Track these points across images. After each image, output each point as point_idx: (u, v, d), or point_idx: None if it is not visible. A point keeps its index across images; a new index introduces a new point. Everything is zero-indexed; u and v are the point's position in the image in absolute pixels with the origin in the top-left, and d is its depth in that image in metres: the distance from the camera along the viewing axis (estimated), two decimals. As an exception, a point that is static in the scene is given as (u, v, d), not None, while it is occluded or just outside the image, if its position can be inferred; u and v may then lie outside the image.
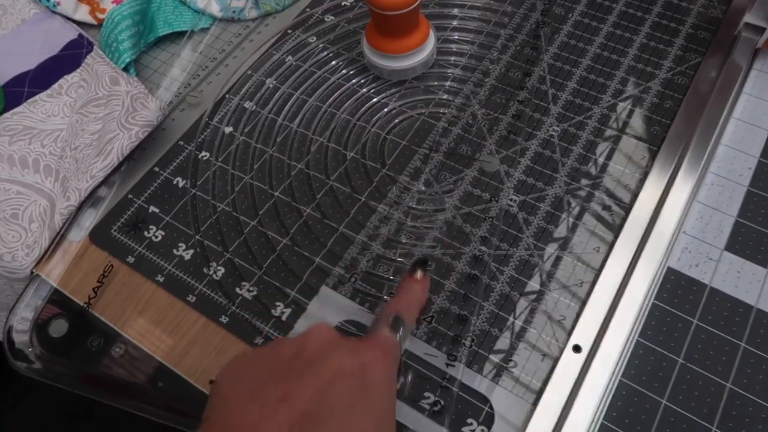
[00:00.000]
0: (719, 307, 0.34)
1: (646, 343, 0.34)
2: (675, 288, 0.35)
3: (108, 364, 0.36)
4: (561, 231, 0.37)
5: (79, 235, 0.40)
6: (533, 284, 0.36)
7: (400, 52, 0.42)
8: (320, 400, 0.24)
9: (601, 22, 0.46)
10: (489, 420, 0.32)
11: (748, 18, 0.42)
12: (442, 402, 0.32)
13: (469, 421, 0.32)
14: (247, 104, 0.45)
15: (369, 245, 0.38)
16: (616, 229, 0.37)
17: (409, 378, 0.33)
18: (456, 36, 0.47)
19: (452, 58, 0.45)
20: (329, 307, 0.36)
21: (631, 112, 0.42)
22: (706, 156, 0.39)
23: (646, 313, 0.34)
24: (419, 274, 0.32)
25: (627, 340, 0.33)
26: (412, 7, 0.37)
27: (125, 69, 0.45)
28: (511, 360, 0.33)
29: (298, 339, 0.27)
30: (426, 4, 0.49)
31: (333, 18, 0.49)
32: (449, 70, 0.45)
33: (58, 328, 0.37)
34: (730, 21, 0.45)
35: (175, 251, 0.38)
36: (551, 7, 0.47)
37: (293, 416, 0.23)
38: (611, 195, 0.38)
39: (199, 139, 0.43)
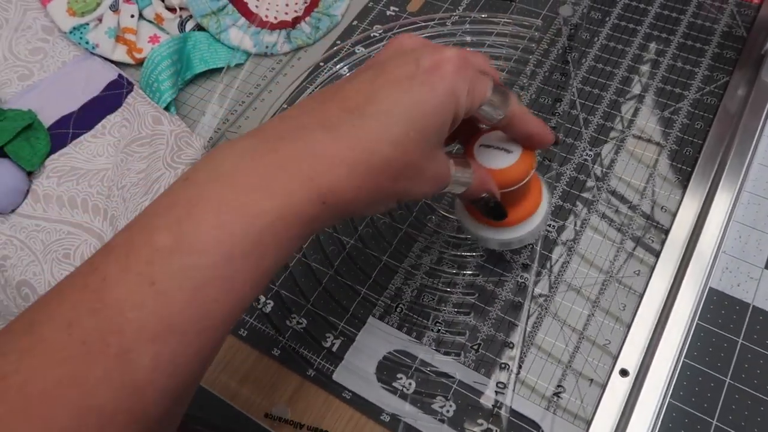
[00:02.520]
0: (763, 325, 0.35)
1: (693, 364, 0.34)
2: (718, 308, 0.36)
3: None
4: (601, 255, 0.38)
5: (130, 272, 0.41)
6: (576, 309, 0.36)
7: (511, 224, 0.33)
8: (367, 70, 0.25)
9: (626, 44, 0.47)
10: (542, 446, 0.33)
11: (775, 37, 0.42)
12: (494, 429, 0.33)
13: (522, 447, 0.33)
14: (284, 138, 0.46)
15: (413, 274, 0.39)
16: (656, 252, 0.38)
17: None
18: (485, 63, 0.48)
19: (482, 86, 0.46)
20: (377, 338, 0.37)
21: (662, 134, 0.42)
22: (741, 175, 0.39)
23: (691, 334, 0.35)
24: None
25: (673, 362, 0.33)
26: (513, 188, 0.30)
27: (166, 107, 0.47)
28: (559, 386, 0.34)
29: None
30: (453, 32, 0.50)
31: (363, 50, 0.50)
32: (480, 98, 0.46)
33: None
34: (755, 40, 0.45)
35: (224, 286, 0.39)
36: (577, 32, 0.48)
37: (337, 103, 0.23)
38: (649, 217, 0.39)
39: (240, 174, 0.44)
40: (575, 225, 0.39)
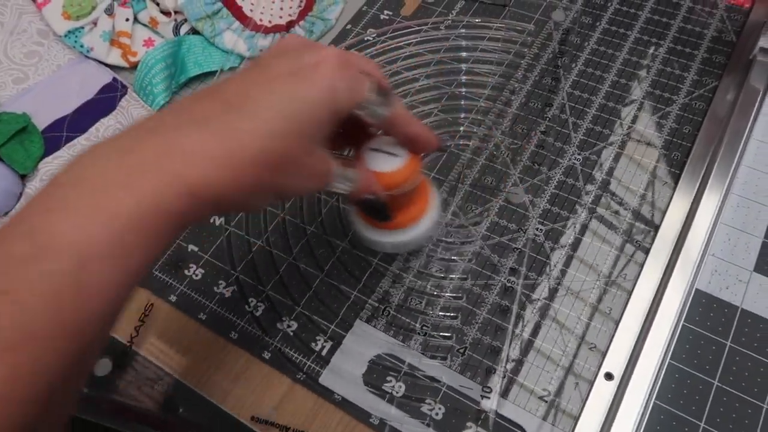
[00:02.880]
0: (752, 328, 0.35)
1: (681, 367, 0.34)
2: (707, 310, 0.36)
3: (153, 401, 0.37)
4: (588, 259, 0.38)
5: (121, 275, 0.41)
6: (564, 311, 0.36)
7: (401, 226, 0.35)
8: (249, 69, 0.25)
9: (617, 49, 0.47)
10: (528, 448, 0.33)
11: (762, 42, 0.43)
12: None
13: (509, 449, 0.33)
14: (276, 141, 0.46)
15: (401, 277, 0.39)
16: (643, 255, 0.38)
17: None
18: (479, 68, 0.48)
19: (476, 90, 0.47)
20: (364, 341, 0.37)
21: (651, 138, 0.43)
22: (729, 178, 0.39)
23: (678, 336, 0.35)
24: None
25: (658, 365, 0.34)
26: (398, 191, 0.31)
27: (159, 110, 0.47)
28: (545, 389, 0.34)
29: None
30: (447, 36, 0.50)
31: (357, 53, 0.51)
32: (473, 102, 0.46)
33: (102, 367, 0.38)
34: (744, 45, 0.46)
35: (215, 288, 0.40)
36: (568, 37, 0.49)
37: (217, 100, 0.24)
38: (636, 221, 0.39)
39: (232, 177, 0.45)
40: (563, 228, 0.39)
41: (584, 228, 0.39)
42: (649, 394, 0.33)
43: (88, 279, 0.19)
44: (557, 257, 0.38)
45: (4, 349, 0.18)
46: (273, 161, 0.24)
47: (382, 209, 0.32)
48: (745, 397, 0.33)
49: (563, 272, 0.38)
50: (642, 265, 0.37)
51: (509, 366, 0.35)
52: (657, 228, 0.39)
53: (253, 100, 0.23)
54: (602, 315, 0.36)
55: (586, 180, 0.41)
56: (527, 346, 0.36)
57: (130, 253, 0.20)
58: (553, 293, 0.37)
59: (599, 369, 0.34)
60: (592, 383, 0.34)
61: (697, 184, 0.40)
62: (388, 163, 0.31)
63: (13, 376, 0.18)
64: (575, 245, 0.39)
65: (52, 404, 0.20)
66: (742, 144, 0.40)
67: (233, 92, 0.24)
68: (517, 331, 0.36)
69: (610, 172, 0.41)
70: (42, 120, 0.48)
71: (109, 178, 0.21)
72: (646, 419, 0.32)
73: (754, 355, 0.34)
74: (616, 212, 0.40)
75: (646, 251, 0.38)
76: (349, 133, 0.30)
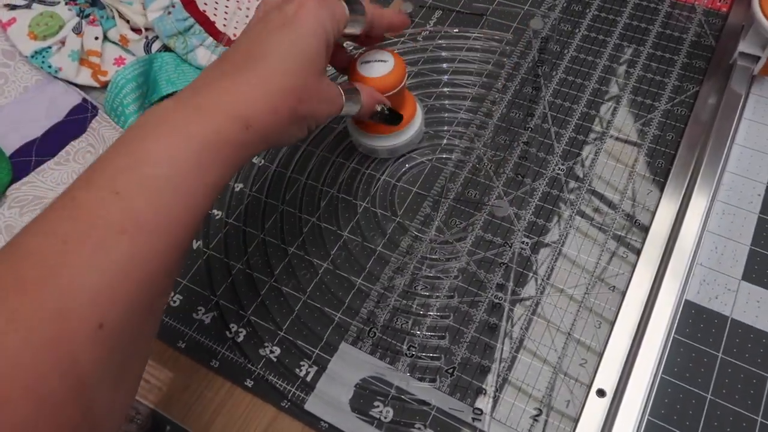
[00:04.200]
0: (742, 338, 0.35)
1: (672, 380, 0.34)
2: (697, 321, 0.35)
3: (133, 435, 0.35)
4: (574, 271, 0.37)
5: (95, 304, 0.40)
6: (553, 325, 0.36)
7: (392, 130, 0.41)
8: (252, 28, 0.31)
9: (596, 56, 0.47)
10: (522, 471, 0.32)
11: (742, 47, 0.42)
12: (474, 455, 0.32)
13: (502, 473, 0.32)
14: (255, 159, 0.45)
15: (386, 297, 0.38)
16: (630, 267, 0.37)
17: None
18: (457, 80, 0.47)
19: (457, 102, 0.46)
20: (350, 365, 0.36)
21: (634, 146, 0.42)
22: (714, 185, 0.39)
23: (669, 349, 0.34)
24: None
25: (650, 379, 0.33)
26: (398, 88, 0.38)
27: (131, 132, 0.45)
28: (537, 408, 0.33)
29: None
30: (425, 47, 0.49)
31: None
32: (454, 114, 0.45)
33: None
34: (724, 49, 0.45)
35: (194, 315, 0.38)
36: (547, 45, 0.48)
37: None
38: (622, 233, 0.39)
39: (209, 198, 0.43)
40: (548, 241, 0.39)
41: (570, 235, 0.39)
42: (643, 410, 0.32)
43: (182, 183, 0.24)
44: (544, 270, 0.38)
45: (118, 232, 0.22)
46: (296, 92, 0.29)
47: (392, 114, 0.39)
48: (739, 410, 0.32)
49: (550, 284, 0.37)
50: (630, 277, 0.37)
51: (499, 385, 0.34)
52: (644, 239, 0.38)
53: (267, 50, 0.29)
54: (592, 329, 0.35)
55: (570, 188, 0.41)
56: (517, 364, 0.35)
57: (207, 170, 0.25)
58: (540, 307, 0.36)
59: (591, 385, 0.33)
60: (584, 400, 0.33)
61: (682, 193, 0.39)
62: (381, 69, 0.37)
63: (130, 253, 0.22)
64: (561, 252, 0.38)
65: (154, 303, 0.25)
66: (725, 150, 0.40)
67: (249, 47, 0.29)
68: (506, 348, 0.35)
69: (595, 179, 0.41)
70: (9, 144, 0.46)
71: (183, 115, 0.26)
72: (640, 436, 0.32)
73: (746, 366, 0.34)
74: (602, 223, 0.39)
75: (633, 263, 0.37)
76: (336, 60, 0.37)
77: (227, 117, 0.26)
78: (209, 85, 0.28)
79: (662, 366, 0.34)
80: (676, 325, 0.35)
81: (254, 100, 0.27)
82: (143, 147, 0.24)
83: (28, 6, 0.51)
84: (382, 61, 0.37)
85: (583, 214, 0.39)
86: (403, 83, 0.38)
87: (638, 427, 0.32)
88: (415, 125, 0.42)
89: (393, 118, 0.39)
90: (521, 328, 0.36)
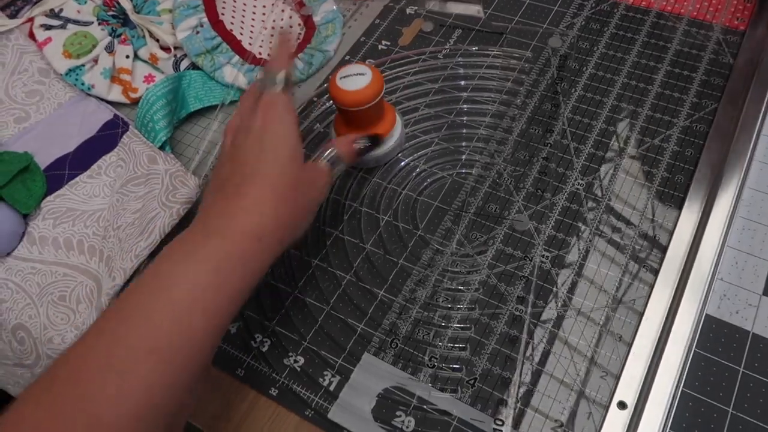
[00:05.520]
0: (764, 353, 0.35)
1: (694, 394, 0.34)
2: (718, 336, 0.36)
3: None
4: (596, 284, 0.38)
5: (125, 313, 0.41)
6: (573, 339, 0.36)
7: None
8: (232, 152, 0.33)
9: (615, 73, 0.48)
10: (544, 483, 0.32)
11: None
12: (495, 466, 0.33)
13: (523, 484, 0.32)
14: (279, 174, 0.46)
15: (408, 309, 0.38)
16: (652, 279, 0.37)
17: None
18: (478, 96, 0.48)
19: (477, 119, 0.47)
20: (372, 375, 0.36)
21: (654, 162, 0.43)
22: (734, 201, 0.39)
23: (690, 363, 0.35)
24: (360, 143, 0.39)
25: (672, 392, 0.33)
26: (376, 100, 0.40)
27: (161, 147, 0.47)
28: (557, 420, 0.34)
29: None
30: (445, 65, 0.51)
31: (355, 84, 0.51)
32: (474, 130, 0.46)
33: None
34: (742, 66, 0.46)
35: (219, 325, 0.39)
36: (566, 62, 0.49)
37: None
38: (642, 246, 0.39)
39: (235, 211, 0.45)
40: (568, 255, 0.39)
41: (590, 253, 0.39)
42: (664, 423, 0.32)
43: (202, 299, 0.27)
44: (564, 284, 0.38)
45: (149, 352, 0.25)
46: (293, 183, 0.32)
47: (373, 139, 0.41)
48: (761, 424, 0.32)
49: (570, 298, 0.37)
50: (651, 290, 0.37)
51: (520, 396, 0.34)
52: (664, 252, 0.38)
53: (256, 167, 0.31)
54: (613, 340, 0.36)
55: (590, 206, 0.41)
56: (538, 376, 0.35)
57: (226, 283, 0.28)
58: (561, 320, 0.37)
59: (612, 397, 0.34)
60: (605, 413, 0.33)
61: (702, 207, 0.40)
62: (360, 82, 0.39)
63: (158, 372, 0.25)
64: (581, 270, 0.38)
65: (183, 406, 0.28)
66: (745, 166, 0.40)
67: (239, 169, 0.32)
68: (527, 360, 0.36)
69: (614, 197, 0.41)
70: (44, 159, 0.48)
71: (200, 240, 0.29)
72: (662, 450, 0.32)
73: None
74: (621, 237, 0.39)
75: (655, 275, 0.38)
76: None
77: (240, 236, 0.29)
78: (217, 211, 0.31)
79: (683, 380, 0.34)
80: (697, 339, 0.35)
81: (259, 214, 0.30)
82: (166, 272, 0.28)
83: (63, 26, 0.53)
84: (360, 74, 0.39)
85: (601, 234, 0.40)
86: (380, 94, 0.40)
87: (660, 441, 0.32)
88: (395, 134, 0.44)
89: (374, 142, 0.41)
90: (542, 340, 0.36)
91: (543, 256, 0.39)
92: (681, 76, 0.47)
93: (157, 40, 0.53)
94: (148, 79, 0.53)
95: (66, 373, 0.25)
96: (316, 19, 0.55)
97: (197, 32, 0.51)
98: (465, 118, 0.47)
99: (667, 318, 0.36)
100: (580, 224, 0.40)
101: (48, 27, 0.53)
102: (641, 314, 0.36)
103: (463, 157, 0.45)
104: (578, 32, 0.51)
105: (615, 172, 0.42)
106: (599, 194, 0.42)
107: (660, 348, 0.34)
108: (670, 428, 0.33)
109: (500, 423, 0.34)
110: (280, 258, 0.41)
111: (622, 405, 0.33)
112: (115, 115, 0.50)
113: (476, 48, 0.52)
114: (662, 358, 0.34)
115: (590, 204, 0.41)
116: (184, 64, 0.53)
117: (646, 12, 0.52)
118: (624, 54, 0.49)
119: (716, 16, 0.50)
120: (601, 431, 0.33)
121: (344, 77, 0.40)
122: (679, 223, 0.39)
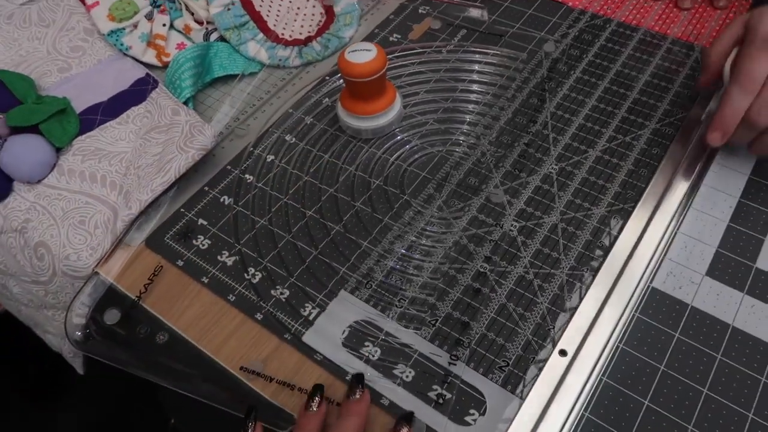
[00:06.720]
0: (699, 323, 0.39)
1: (632, 352, 0.38)
2: (660, 306, 0.40)
3: (153, 349, 0.41)
4: (555, 253, 0.42)
5: (137, 240, 0.46)
6: (528, 296, 0.40)
7: (374, 112, 0.48)
8: None
9: (600, 78, 0.53)
10: (485, 411, 0.36)
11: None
12: (446, 395, 0.37)
13: (471, 411, 0.36)
14: (287, 137, 0.51)
15: (385, 257, 0.43)
16: (604, 253, 0.42)
17: None
18: (474, 87, 0.53)
19: (470, 106, 0.52)
20: (346, 308, 0.41)
21: (622, 155, 0.47)
22: (689, 193, 0.44)
23: (632, 325, 0.39)
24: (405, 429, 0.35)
25: (607, 346, 0.37)
26: (380, 73, 0.45)
27: (185, 103, 0.52)
28: (504, 361, 0.38)
29: None
30: (448, 59, 0.56)
31: (364, 68, 0.56)
32: (466, 115, 0.51)
33: (112, 316, 0.42)
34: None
35: (219, 257, 0.44)
36: (556, 66, 0.54)
37: None
38: (602, 225, 0.43)
39: (244, 165, 0.50)
40: (535, 226, 0.44)
41: (555, 227, 0.43)
42: (600, 372, 0.36)
43: None
44: (528, 250, 0.42)
45: None
46: None
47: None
48: (688, 381, 0.36)
49: (532, 263, 0.42)
50: (602, 262, 0.41)
51: (475, 338, 0.39)
52: (619, 231, 0.43)
53: None
54: (564, 301, 0.40)
55: (560, 187, 0.46)
56: (492, 323, 0.39)
57: None
58: (521, 280, 0.41)
59: (554, 346, 0.38)
60: (546, 358, 0.37)
61: (659, 198, 0.44)
62: (366, 56, 0.44)
63: None
64: (545, 241, 0.43)
65: None
66: (703, 165, 0.45)
67: None
68: (486, 309, 0.40)
69: (583, 182, 0.46)
70: (80, 105, 0.53)
71: None
72: (597, 394, 0.36)
73: (699, 346, 0.38)
74: (585, 215, 0.44)
75: (607, 250, 0.42)
76: None
77: None
78: None
79: (624, 338, 0.38)
80: (641, 306, 0.39)
81: None
82: None
83: (110, -7, 0.59)
84: (366, 50, 0.45)
85: (568, 210, 0.44)
86: (384, 68, 0.45)
87: (594, 386, 0.36)
88: (394, 108, 0.49)
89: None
90: (501, 294, 0.40)
91: (512, 225, 0.44)
92: (659, 86, 0.52)
93: (192, 14, 0.59)
94: (180, 46, 0.58)
95: None
96: (337, 9, 0.61)
97: (228, 9, 0.57)
98: (459, 104, 0.52)
99: (613, 285, 0.40)
100: (548, 203, 0.45)
101: (97, -7, 0.59)
102: (591, 281, 0.40)
103: (453, 137, 0.50)
104: (571, 41, 0.56)
105: (587, 161, 0.47)
106: (570, 178, 0.46)
107: (601, 310, 0.39)
108: (605, 376, 0.37)
109: (455, 358, 0.38)
110: (279, 208, 0.46)
111: (563, 353, 0.37)
112: (147, 73, 0.56)
113: (477, 47, 0.57)
114: (601, 317, 0.38)
115: (560, 186, 0.46)
116: (213, 36, 0.58)
117: (635, 29, 0.57)
118: (610, 63, 0.54)
119: (698, 38, 0.55)
120: (541, 373, 0.37)
121: (352, 51, 0.45)
122: (636, 209, 0.44)
